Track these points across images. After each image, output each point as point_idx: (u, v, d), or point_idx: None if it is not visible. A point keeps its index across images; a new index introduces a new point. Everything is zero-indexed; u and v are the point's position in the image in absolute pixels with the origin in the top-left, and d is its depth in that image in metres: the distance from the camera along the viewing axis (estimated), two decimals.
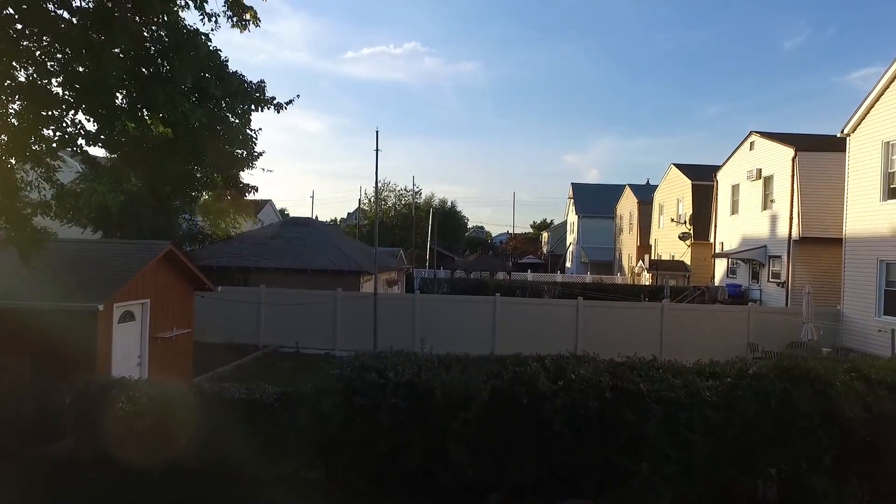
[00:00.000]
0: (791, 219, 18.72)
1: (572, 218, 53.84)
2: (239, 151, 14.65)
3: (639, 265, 30.93)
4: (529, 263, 64.67)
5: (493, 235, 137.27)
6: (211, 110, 9.99)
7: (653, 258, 29.78)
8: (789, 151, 19.00)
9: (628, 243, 39.01)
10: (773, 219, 20.13)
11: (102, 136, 8.25)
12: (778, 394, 5.97)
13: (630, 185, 40.39)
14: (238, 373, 14.06)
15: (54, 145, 7.68)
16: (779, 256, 19.67)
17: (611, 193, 54.38)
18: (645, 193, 37.64)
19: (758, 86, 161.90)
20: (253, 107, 10.53)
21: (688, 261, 27.91)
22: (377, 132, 15.33)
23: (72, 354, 8.57)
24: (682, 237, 27.87)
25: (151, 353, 10.40)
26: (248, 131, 12.95)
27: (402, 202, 55.47)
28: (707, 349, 16.32)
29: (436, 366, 7.04)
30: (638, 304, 17.32)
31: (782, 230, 19.33)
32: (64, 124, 7.69)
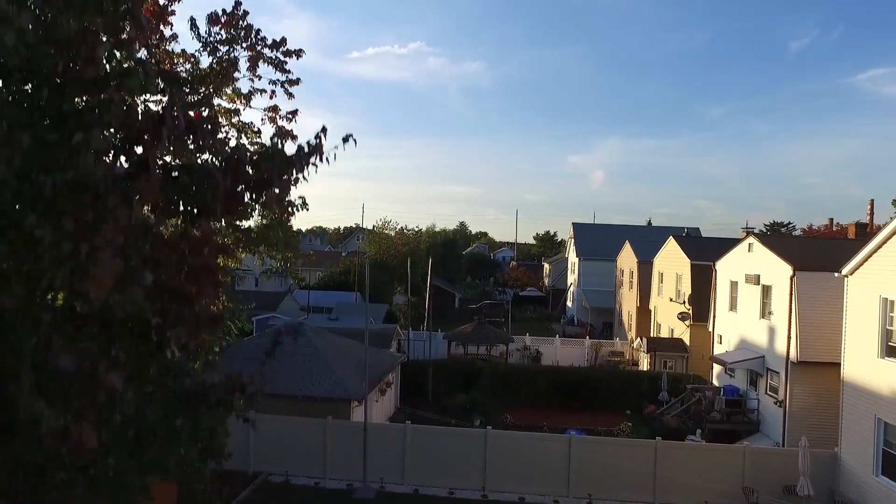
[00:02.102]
0: (789, 338, 18.42)
1: (573, 258, 53.56)
2: None
3: (637, 342, 30.64)
4: (531, 297, 64.44)
5: (496, 248, 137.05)
6: None
7: (651, 335, 29.51)
8: (787, 269, 18.69)
9: (628, 300, 38.70)
10: (772, 331, 19.83)
11: None
12: None
13: (630, 240, 40.08)
14: None
15: None
16: (777, 372, 19.38)
17: (612, 235, 54.01)
18: (646, 250, 37.24)
19: (763, 86, 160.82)
20: None
21: (687, 339, 27.63)
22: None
23: None
24: (682, 317, 27.58)
25: None
26: None
27: (403, 239, 55.00)
28: (702, 490, 16.17)
29: None
30: (632, 442, 17.07)
31: (780, 346, 19.03)
32: None
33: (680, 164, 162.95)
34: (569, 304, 54.78)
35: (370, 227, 60.75)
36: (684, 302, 27.66)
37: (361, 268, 51.96)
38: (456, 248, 69.54)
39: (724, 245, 29.69)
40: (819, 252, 20.13)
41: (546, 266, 69.00)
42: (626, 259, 39.71)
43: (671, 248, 30.42)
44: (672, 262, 30.23)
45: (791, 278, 18.47)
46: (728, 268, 23.70)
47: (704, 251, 28.01)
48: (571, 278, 54.32)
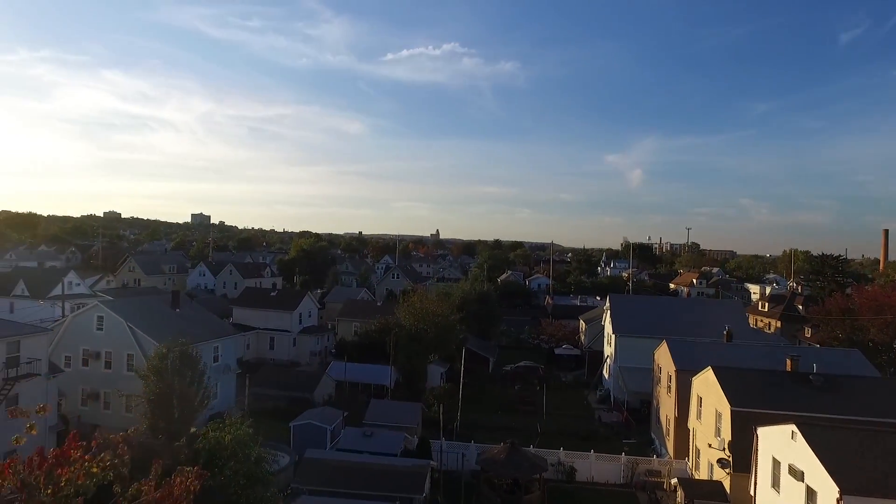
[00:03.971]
0: None
1: (609, 329, 52.63)
2: None
3: (674, 481, 29.92)
4: (566, 357, 63.67)
5: (530, 277, 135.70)
6: None
7: (687, 478, 28.74)
8: (833, 489, 17.94)
9: (666, 403, 37.81)
10: None
11: None
12: None
13: (667, 339, 39.05)
14: None
15: None
16: None
17: (651, 310, 52.91)
18: (685, 356, 36.33)
19: (811, 81, 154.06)
20: None
21: (727, 485, 26.85)
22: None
23: None
24: (721, 464, 26.81)
25: None
26: None
27: (440, 307, 54.85)
28: None
29: None
30: None
31: None
32: None
33: (722, 162, 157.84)
34: (605, 374, 53.92)
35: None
36: (724, 448, 26.87)
37: (397, 336, 52.49)
38: (490, 302, 69.04)
39: (772, 384, 28.74)
40: (878, 457, 19.20)
41: (582, 324, 67.97)
42: (664, 359, 38.78)
43: (711, 380, 29.55)
44: (712, 395, 29.37)
45: (837, 501, 17.73)
46: (771, 442, 22.89)
47: (748, 395, 27.11)
48: (608, 350, 53.43)
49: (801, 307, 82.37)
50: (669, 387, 36.90)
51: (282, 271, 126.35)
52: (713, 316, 51.09)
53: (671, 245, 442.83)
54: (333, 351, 63.90)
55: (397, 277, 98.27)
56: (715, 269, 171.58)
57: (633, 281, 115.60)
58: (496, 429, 41.62)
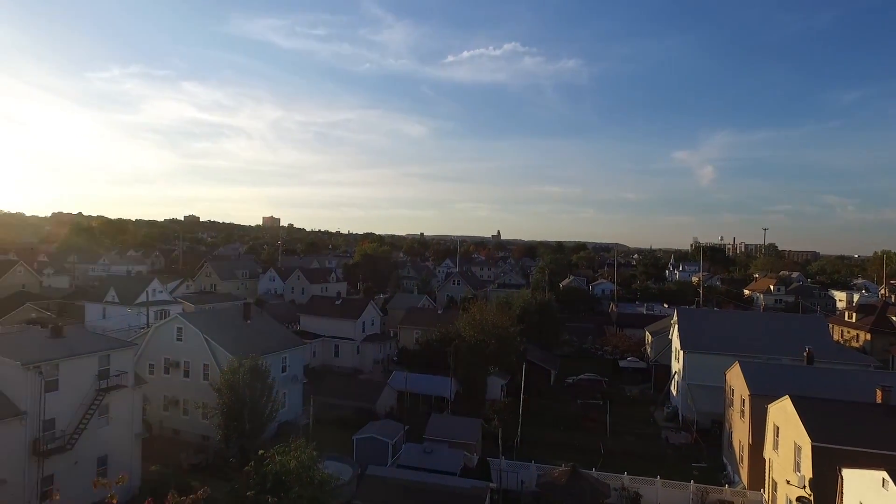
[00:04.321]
0: None
1: (676, 344, 50.53)
2: None
3: None
4: (631, 370, 61.71)
5: (594, 282, 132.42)
6: None
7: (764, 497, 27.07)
8: None
9: (739, 428, 35.86)
10: None
11: None
12: None
13: (739, 361, 37.04)
14: None
15: None
16: None
17: (722, 325, 50.48)
18: (759, 380, 34.37)
19: None
20: None
21: None
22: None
23: None
24: (801, 503, 25.13)
25: None
26: None
27: (500, 320, 54.56)
28: None
29: None
30: None
31: None
32: None
33: (803, 157, 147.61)
34: (673, 391, 51.83)
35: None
36: (805, 486, 25.17)
37: (457, 347, 52.71)
38: (551, 311, 68.00)
39: (859, 418, 26.61)
40: None
41: (648, 335, 65.65)
42: (737, 381, 36.81)
43: (789, 410, 27.73)
44: (790, 426, 27.56)
45: None
46: (858, 486, 21.22)
47: (832, 429, 25.22)
48: (676, 365, 51.32)
49: (894, 318, 75.89)
50: (743, 411, 34.99)
51: (346, 276, 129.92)
52: (791, 332, 48.03)
53: (746, 246, 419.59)
54: (395, 359, 65.05)
55: (458, 284, 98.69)
56: (794, 274, 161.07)
57: (703, 287, 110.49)
58: (557, 446, 40.96)
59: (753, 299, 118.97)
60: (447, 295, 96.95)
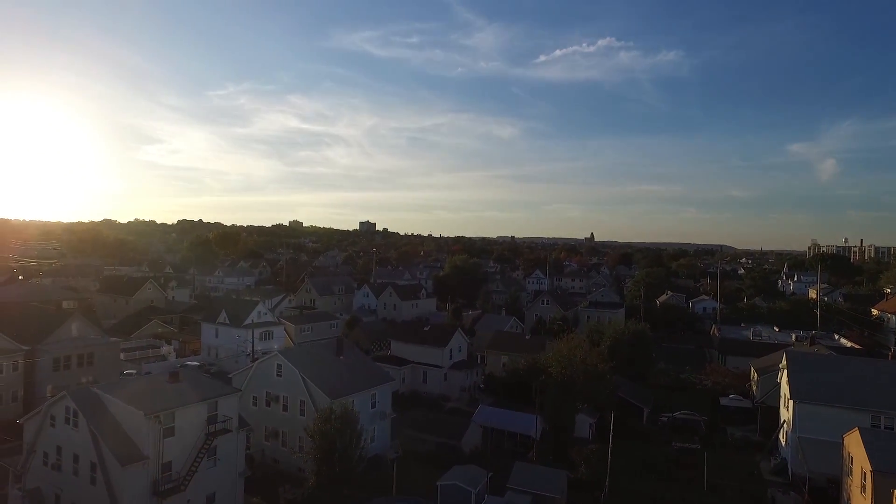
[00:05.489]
0: None
1: (786, 390, 46.41)
2: None
3: None
4: (734, 409, 57.51)
5: (695, 299, 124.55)
6: None
7: None
8: None
9: (859, 503, 32.33)
10: None
11: None
12: None
13: (861, 429, 33.34)
14: None
15: None
16: None
17: (841, 371, 45.82)
18: (885, 454, 30.75)
19: None
20: None
21: None
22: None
23: None
24: None
25: None
26: None
27: (590, 356, 53.01)
28: None
29: None
30: None
31: None
32: None
33: None
34: (781, 440, 47.66)
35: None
36: None
37: (544, 384, 51.93)
38: (645, 342, 65.03)
39: None
40: None
41: (754, 373, 60.84)
42: (856, 449, 33.18)
43: None
44: None
45: None
46: None
47: None
48: (784, 414, 47.14)
49: None
50: (863, 486, 31.52)
51: (436, 288, 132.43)
52: None
53: (876, 249, 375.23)
54: (482, 386, 65.37)
55: (547, 304, 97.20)
56: None
57: (820, 306, 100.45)
58: (649, 500, 39.16)
59: (883, 320, 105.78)
60: (536, 315, 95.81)
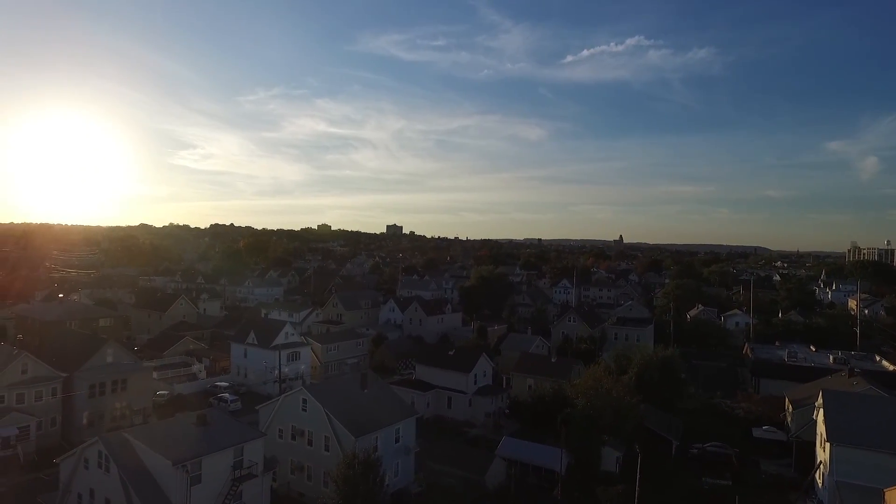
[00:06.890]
0: None
1: (822, 430, 44.70)
2: None
3: None
4: (767, 442, 55.77)
5: (726, 313, 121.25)
6: None
7: None
8: None
9: None
10: None
11: None
12: None
13: None
14: None
15: None
16: None
17: (883, 412, 43.99)
18: None
19: None
20: None
21: None
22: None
23: None
24: None
25: None
26: None
27: (616, 387, 52.21)
28: None
29: None
30: None
31: None
32: None
33: None
34: (819, 482, 45.96)
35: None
36: None
37: (570, 417, 51.21)
38: (673, 368, 63.63)
39: None
40: None
41: (788, 404, 58.87)
42: None
43: None
44: None
45: None
46: None
47: None
48: (821, 454, 45.45)
49: None
50: None
51: (462, 299, 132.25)
52: None
53: None
54: (507, 411, 64.92)
55: (574, 321, 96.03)
56: None
57: (860, 323, 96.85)
58: None
59: None
60: (562, 333, 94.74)
